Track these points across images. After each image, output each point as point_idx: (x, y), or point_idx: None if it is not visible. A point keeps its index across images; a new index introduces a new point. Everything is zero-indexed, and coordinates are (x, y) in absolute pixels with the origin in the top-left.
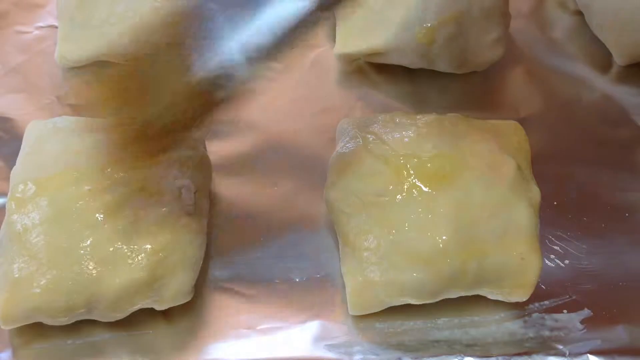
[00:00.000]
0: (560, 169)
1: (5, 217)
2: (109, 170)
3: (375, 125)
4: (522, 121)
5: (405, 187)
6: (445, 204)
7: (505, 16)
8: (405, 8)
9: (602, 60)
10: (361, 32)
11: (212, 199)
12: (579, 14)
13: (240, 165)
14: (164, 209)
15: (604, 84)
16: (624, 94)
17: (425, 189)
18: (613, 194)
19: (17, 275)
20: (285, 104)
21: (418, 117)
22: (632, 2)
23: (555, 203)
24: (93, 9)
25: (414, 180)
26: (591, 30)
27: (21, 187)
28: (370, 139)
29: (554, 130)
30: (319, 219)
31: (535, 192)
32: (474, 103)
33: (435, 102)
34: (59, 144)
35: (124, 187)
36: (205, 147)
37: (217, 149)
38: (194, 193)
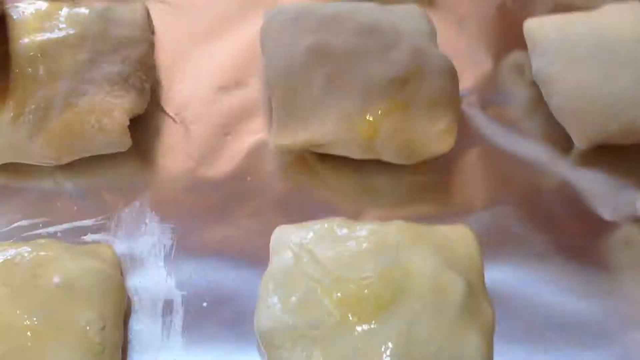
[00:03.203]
0: (517, 270)
1: None
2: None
3: (312, 236)
4: (477, 214)
5: (340, 318)
6: (386, 338)
7: (454, 102)
8: (346, 96)
9: (561, 140)
10: (299, 122)
11: None
12: (535, 85)
13: None
14: (67, 352)
15: (563, 168)
16: (584, 180)
17: (363, 321)
18: (577, 301)
19: None
20: (213, 204)
21: (358, 226)
22: (592, 88)
23: (510, 316)
24: None
25: (350, 311)
26: (548, 107)
27: None
28: (305, 259)
29: (511, 224)
30: None
31: (487, 314)
32: (425, 195)
33: (383, 195)
34: None
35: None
36: (122, 272)
37: None
38: (102, 328)
